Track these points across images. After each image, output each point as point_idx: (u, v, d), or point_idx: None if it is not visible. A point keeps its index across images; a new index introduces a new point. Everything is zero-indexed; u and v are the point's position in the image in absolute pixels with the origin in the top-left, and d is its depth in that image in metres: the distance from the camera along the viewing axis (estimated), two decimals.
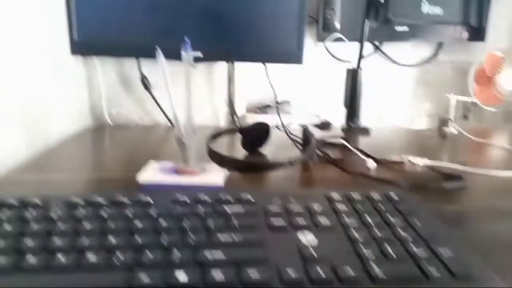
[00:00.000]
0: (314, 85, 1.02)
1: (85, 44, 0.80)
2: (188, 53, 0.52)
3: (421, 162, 0.63)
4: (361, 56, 0.82)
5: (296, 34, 0.81)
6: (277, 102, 0.96)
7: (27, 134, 0.67)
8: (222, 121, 1.01)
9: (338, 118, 0.90)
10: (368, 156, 0.64)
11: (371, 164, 0.61)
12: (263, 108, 0.99)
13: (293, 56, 0.82)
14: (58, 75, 0.78)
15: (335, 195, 0.40)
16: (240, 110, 1.00)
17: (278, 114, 0.93)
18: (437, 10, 0.58)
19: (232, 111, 0.98)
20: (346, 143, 0.68)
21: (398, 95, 1.05)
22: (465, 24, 0.77)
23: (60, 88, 0.80)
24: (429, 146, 0.79)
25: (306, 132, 0.64)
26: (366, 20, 0.78)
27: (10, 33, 0.62)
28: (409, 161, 0.63)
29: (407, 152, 0.65)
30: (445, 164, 0.62)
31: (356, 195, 0.40)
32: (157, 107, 0.95)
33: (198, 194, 0.39)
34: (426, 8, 0.58)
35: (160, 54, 0.51)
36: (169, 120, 0.94)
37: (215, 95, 1.00)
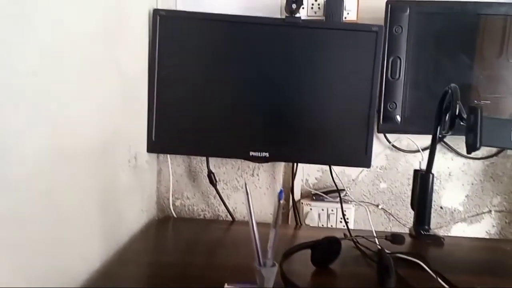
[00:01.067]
0: (372, 174, 1.01)
1: (160, 144, 0.85)
2: (281, 200, 0.52)
3: None
4: (431, 163, 0.80)
5: (364, 139, 0.82)
6: (337, 190, 0.95)
7: (104, 228, 0.70)
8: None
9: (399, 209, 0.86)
10: (451, 285, 0.60)
11: None
12: (318, 196, 0.98)
13: (361, 160, 0.82)
14: (136, 168, 0.83)
15: None
16: (295, 194, 0.99)
17: (341, 203, 0.92)
18: None
19: (294, 204, 0.98)
20: (424, 266, 0.64)
21: (464, 188, 1.01)
22: None
23: (136, 181, 0.84)
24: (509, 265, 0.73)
25: (382, 254, 0.62)
26: (438, 128, 0.77)
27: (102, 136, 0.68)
28: None
29: (487, 275, 0.60)
30: None
31: None
32: (218, 201, 0.97)
33: None
34: None
35: (247, 188, 0.52)
36: (230, 214, 0.96)
37: (276, 186, 1.01)
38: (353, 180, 1.00)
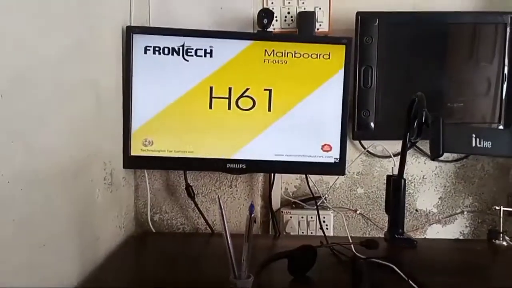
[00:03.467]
0: (349, 180, 1.03)
1: (137, 160, 0.85)
2: (253, 214, 0.53)
3: None
4: (403, 168, 0.83)
5: (338, 147, 0.84)
6: (314, 198, 0.97)
7: (80, 246, 0.69)
8: (258, 220, 1.02)
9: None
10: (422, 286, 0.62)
11: None
12: (298, 204, 0.99)
13: (336, 168, 0.84)
14: (112, 186, 0.83)
15: None
16: (275, 203, 1.00)
17: (317, 211, 0.93)
18: (487, 145, 0.59)
19: (272, 214, 0.99)
20: (397, 270, 0.66)
21: (438, 190, 1.04)
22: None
23: (112, 198, 0.84)
24: (482, 266, 0.76)
25: (355, 261, 0.64)
26: (408, 135, 0.80)
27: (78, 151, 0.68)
28: None
29: (458, 275, 0.63)
30: None
31: None
32: (198, 214, 0.97)
33: None
34: (476, 143, 0.59)
35: (221, 203, 0.53)
36: (210, 226, 0.96)
37: (254, 197, 1.02)
38: (331, 186, 1.02)
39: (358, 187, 1.03)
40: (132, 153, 0.85)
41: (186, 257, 0.78)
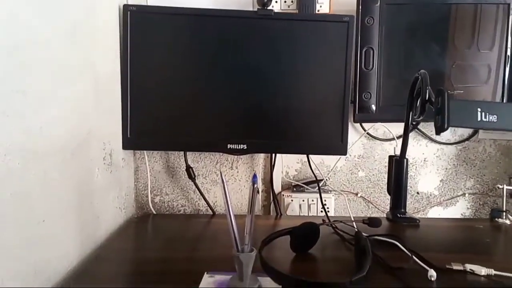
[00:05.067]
0: (350, 163, 1.02)
1: (136, 141, 0.84)
2: (256, 184, 0.52)
3: (484, 271, 0.60)
4: (405, 147, 0.82)
5: (340, 127, 0.83)
6: (316, 181, 0.96)
7: (80, 225, 0.69)
8: (260, 203, 1.02)
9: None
10: (426, 262, 0.61)
11: (432, 274, 0.59)
12: (299, 187, 0.99)
13: (337, 148, 0.83)
14: (112, 166, 0.82)
15: None
16: (276, 186, 1.00)
17: (320, 193, 0.93)
18: (492, 119, 0.58)
19: (274, 196, 0.99)
20: (400, 246, 0.66)
21: (439, 173, 1.03)
22: None
23: (112, 179, 0.83)
24: (484, 244, 0.75)
25: (358, 236, 0.63)
26: (410, 114, 0.79)
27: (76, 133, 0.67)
28: (471, 270, 0.60)
29: (461, 252, 0.62)
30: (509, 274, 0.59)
31: None
32: (198, 195, 0.97)
33: None
34: (481, 117, 0.59)
35: (222, 176, 0.53)
36: (211, 208, 0.95)
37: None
38: (331, 169, 1.01)
39: (359, 170, 1.02)
40: (131, 134, 0.84)
41: (188, 238, 0.78)
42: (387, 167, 0.91)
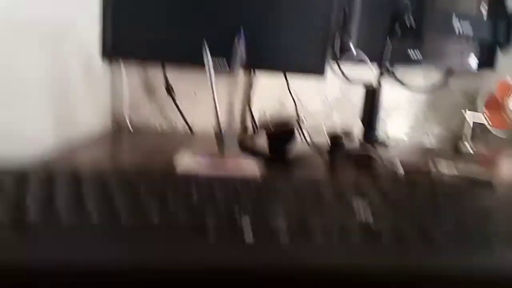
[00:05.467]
0: (327, 103, 1.05)
1: (114, 47, 0.81)
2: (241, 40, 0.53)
3: (448, 170, 0.64)
4: (381, 74, 0.85)
5: (321, 46, 0.84)
6: (297, 117, 0.98)
7: (56, 124, 0.67)
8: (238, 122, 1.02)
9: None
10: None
11: (400, 169, 0.62)
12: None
13: (316, 67, 0.84)
14: (89, 77, 0.80)
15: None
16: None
17: (299, 130, 0.94)
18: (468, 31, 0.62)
19: (252, 118, 1.00)
20: (370, 153, 0.69)
21: (409, 119, 1.08)
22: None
23: (89, 91, 0.81)
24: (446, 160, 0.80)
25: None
26: (388, 39, 0.82)
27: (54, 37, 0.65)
28: (437, 169, 0.64)
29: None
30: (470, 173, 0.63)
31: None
32: (176, 114, 0.96)
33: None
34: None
35: (207, 51, 0.53)
36: (189, 126, 0.95)
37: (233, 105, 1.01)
38: (309, 111, 1.03)
39: (334, 112, 1.05)
40: (110, 42, 0.81)
41: (165, 151, 0.77)
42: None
